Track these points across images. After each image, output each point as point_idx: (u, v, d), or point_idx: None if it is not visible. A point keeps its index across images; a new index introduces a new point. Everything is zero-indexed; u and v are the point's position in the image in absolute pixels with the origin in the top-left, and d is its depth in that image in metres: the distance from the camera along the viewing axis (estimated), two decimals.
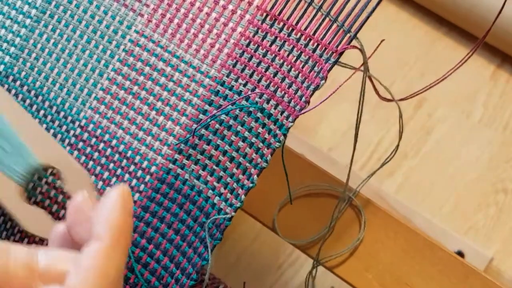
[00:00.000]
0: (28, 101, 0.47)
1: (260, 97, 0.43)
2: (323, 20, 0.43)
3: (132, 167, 0.45)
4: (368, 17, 0.43)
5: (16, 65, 0.48)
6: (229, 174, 0.44)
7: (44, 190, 0.46)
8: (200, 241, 0.44)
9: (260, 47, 0.44)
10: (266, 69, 0.44)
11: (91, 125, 0.46)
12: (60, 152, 0.45)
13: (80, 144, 0.46)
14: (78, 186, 0.44)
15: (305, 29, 0.43)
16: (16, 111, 0.46)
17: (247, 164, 0.44)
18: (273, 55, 0.44)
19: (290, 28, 0.44)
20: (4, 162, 0.45)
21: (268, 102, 0.43)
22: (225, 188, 0.44)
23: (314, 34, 0.43)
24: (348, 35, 0.43)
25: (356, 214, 0.52)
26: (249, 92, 0.44)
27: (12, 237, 0.47)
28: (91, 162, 0.46)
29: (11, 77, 0.48)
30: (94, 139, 0.46)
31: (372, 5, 0.43)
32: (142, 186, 0.45)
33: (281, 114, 0.43)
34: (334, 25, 0.43)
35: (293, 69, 0.43)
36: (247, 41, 0.44)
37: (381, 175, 0.74)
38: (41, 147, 0.45)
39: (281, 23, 0.44)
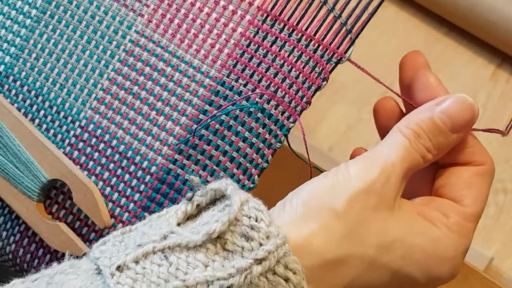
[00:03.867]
0: (28, 101, 0.47)
1: (260, 98, 0.43)
2: (324, 20, 0.43)
3: (132, 167, 0.45)
4: (369, 19, 0.43)
5: (16, 65, 0.48)
6: (229, 175, 0.44)
7: (60, 200, 0.46)
8: None
9: (261, 48, 0.44)
10: (267, 70, 0.44)
11: (91, 125, 0.46)
12: (65, 164, 0.45)
13: (80, 144, 0.46)
14: (84, 197, 0.44)
15: (306, 29, 0.43)
16: (20, 127, 0.46)
17: (248, 165, 0.44)
18: (274, 55, 0.44)
19: (291, 29, 0.44)
20: (22, 182, 0.45)
21: (268, 103, 0.43)
22: None
23: (315, 35, 0.43)
24: (349, 36, 0.43)
25: None
26: (250, 93, 0.44)
27: (12, 237, 0.47)
28: (91, 162, 0.46)
29: (11, 77, 0.48)
30: (94, 139, 0.46)
31: (373, 6, 0.43)
32: (142, 186, 0.45)
33: (281, 115, 0.44)
34: (335, 25, 0.43)
35: (293, 69, 0.43)
36: (248, 41, 0.44)
37: None
38: (47, 162, 0.45)
39: (282, 24, 0.44)
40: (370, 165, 0.39)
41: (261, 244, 0.35)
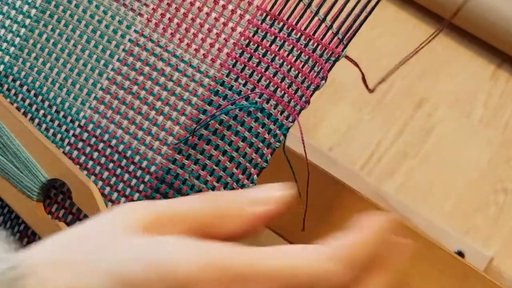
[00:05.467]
0: (28, 101, 0.47)
1: (259, 97, 0.43)
2: (324, 19, 0.44)
3: (132, 166, 0.45)
4: (360, 26, 0.43)
5: (16, 65, 0.48)
6: (228, 174, 0.44)
7: (60, 199, 0.46)
8: None
9: (260, 47, 0.44)
10: (266, 69, 0.44)
11: (91, 125, 0.46)
12: (64, 164, 0.45)
13: (80, 144, 0.46)
14: (84, 197, 0.44)
15: (305, 29, 0.43)
16: (20, 126, 0.46)
17: (247, 164, 0.44)
18: (273, 55, 0.44)
19: (290, 28, 0.44)
20: (21, 182, 0.45)
21: (267, 102, 0.43)
22: (224, 188, 0.44)
23: (314, 34, 0.43)
24: (342, 44, 0.43)
25: None
26: (249, 92, 0.44)
27: (12, 237, 0.47)
28: (90, 162, 0.46)
29: (11, 77, 0.48)
30: (93, 139, 0.46)
31: (371, 5, 0.43)
32: (141, 186, 0.45)
33: (280, 114, 0.44)
34: (335, 25, 0.43)
35: (292, 69, 0.43)
36: (247, 41, 0.44)
37: (381, 175, 0.74)
38: (46, 161, 0.45)
39: (281, 23, 0.44)
40: None
41: None
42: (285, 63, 0.43)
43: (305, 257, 0.32)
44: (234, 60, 0.44)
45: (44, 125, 0.47)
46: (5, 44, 0.48)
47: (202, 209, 0.35)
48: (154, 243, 0.33)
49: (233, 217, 0.35)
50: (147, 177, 0.45)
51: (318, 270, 0.32)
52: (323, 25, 0.44)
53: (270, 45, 0.44)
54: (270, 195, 0.36)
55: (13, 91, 0.48)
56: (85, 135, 0.46)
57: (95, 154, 0.46)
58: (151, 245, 0.33)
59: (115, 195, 0.45)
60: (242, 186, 0.44)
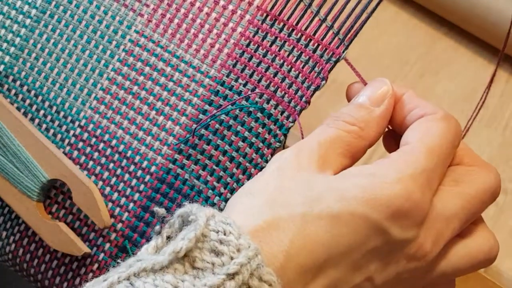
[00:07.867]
0: (28, 101, 0.47)
1: (260, 97, 0.43)
2: (324, 20, 0.44)
3: (132, 167, 0.45)
4: (361, 27, 0.43)
5: (16, 65, 0.48)
6: (229, 174, 0.44)
7: (60, 200, 0.46)
8: None
9: (260, 47, 0.44)
10: (266, 69, 0.44)
11: (91, 125, 0.46)
12: (65, 164, 0.45)
13: (80, 144, 0.46)
14: (84, 197, 0.44)
15: (306, 29, 0.43)
16: (20, 126, 0.46)
17: (247, 164, 0.44)
18: (273, 55, 0.44)
19: (291, 29, 0.44)
20: (21, 182, 0.45)
21: (268, 102, 0.43)
22: (225, 188, 0.44)
23: (314, 34, 0.43)
24: (343, 44, 0.43)
25: None
26: (249, 92, 0.44)
27: (12, 237, 0.47)
28: (91, 162, 0.46)
29: (11, 77, 0.48)
30: (94, 139, 0.46)
31: (372, 6, 0.43)
32: (142, 186, 0.45)
33: (281, 114, 0.44)
34: (335, 25, 0.43)
35: (293, 69, 0.43)
36: (247, 41, 0.44)
37: None
38: (47, 162, 0.45)
39: (281, 24, 0.44)
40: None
41: (232, 258, 0.34)
42: (285, 64, 0.43)
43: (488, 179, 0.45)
44: (234, 60, 0.44)
45: (44, 125, 0.47)
46: (5, 44, 0.48)
47: (346, 134, 0.41)
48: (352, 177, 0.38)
49: (370, 124, 0.41)
50: (147, 177, 0.45)
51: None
52: (323, 26, 0.44)
53: (271, 46, 0.44)
54: (382, 91, 0.42)
55: (13, 91, 0.48)
56: (85, 135, 0.46)
57: (96, 154, 0.46)
58: (348, 180, 0.38)
59: (115, 195, 0.45)
60: None
